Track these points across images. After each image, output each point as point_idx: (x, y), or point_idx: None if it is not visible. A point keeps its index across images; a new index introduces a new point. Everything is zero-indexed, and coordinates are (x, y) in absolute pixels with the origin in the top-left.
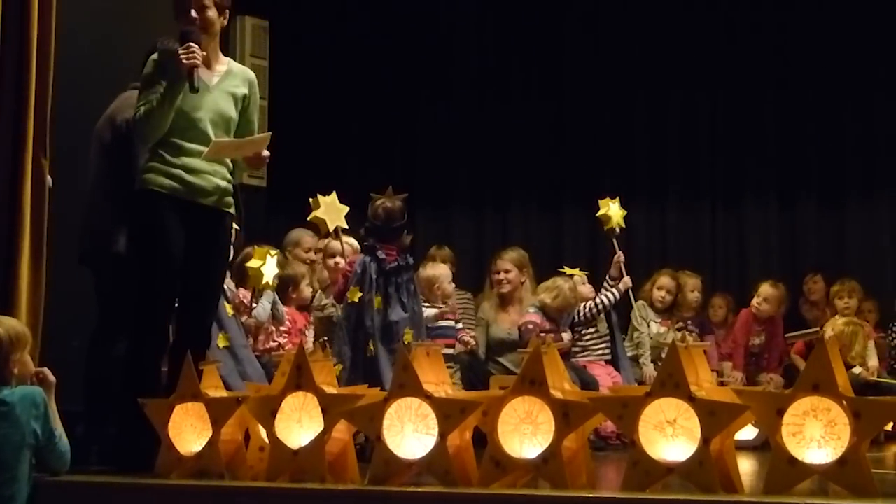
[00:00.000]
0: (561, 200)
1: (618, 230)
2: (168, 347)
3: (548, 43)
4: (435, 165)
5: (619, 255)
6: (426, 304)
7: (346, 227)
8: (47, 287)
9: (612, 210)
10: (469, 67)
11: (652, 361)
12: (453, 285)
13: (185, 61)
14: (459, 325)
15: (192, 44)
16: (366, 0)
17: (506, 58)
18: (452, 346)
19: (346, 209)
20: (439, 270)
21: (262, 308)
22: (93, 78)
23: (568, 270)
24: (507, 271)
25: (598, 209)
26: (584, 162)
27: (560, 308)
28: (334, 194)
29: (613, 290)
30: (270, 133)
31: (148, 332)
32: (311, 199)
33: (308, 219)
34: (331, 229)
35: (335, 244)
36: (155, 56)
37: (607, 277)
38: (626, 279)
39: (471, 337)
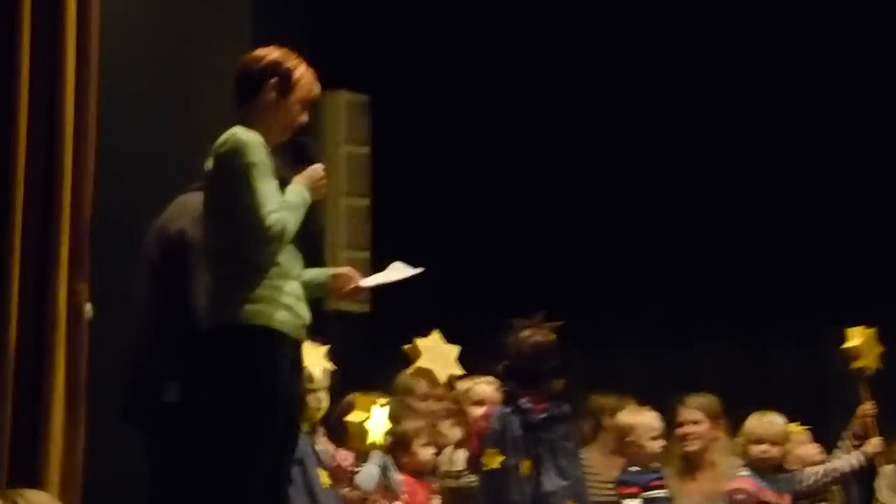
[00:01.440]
0: (766, 327)
1: (869, 371)
2: None
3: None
4: (586, 283)
5: (868, 406)
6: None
7: (461, 372)
8: (86, 451)
9: (866, 343)
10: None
11: None
12: (661, 442)
13: (323, 191)
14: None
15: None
16: (481, 62)
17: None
18: None
19: (456, 349)
20: (641, 418)
21: (369, 474)
22: (141, 180)
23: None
24: (694, 422)
25: (845, 340)
26: (799, 277)
27: (777, 458)
28: (436, 334)
29: (856, 452)
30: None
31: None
32: (406, 348)
33: (409, 373)
34: (442, 381)
35: (479, 388)
36: (257, 140)
37: (848, 434)
38: (876, 440)
39: None
